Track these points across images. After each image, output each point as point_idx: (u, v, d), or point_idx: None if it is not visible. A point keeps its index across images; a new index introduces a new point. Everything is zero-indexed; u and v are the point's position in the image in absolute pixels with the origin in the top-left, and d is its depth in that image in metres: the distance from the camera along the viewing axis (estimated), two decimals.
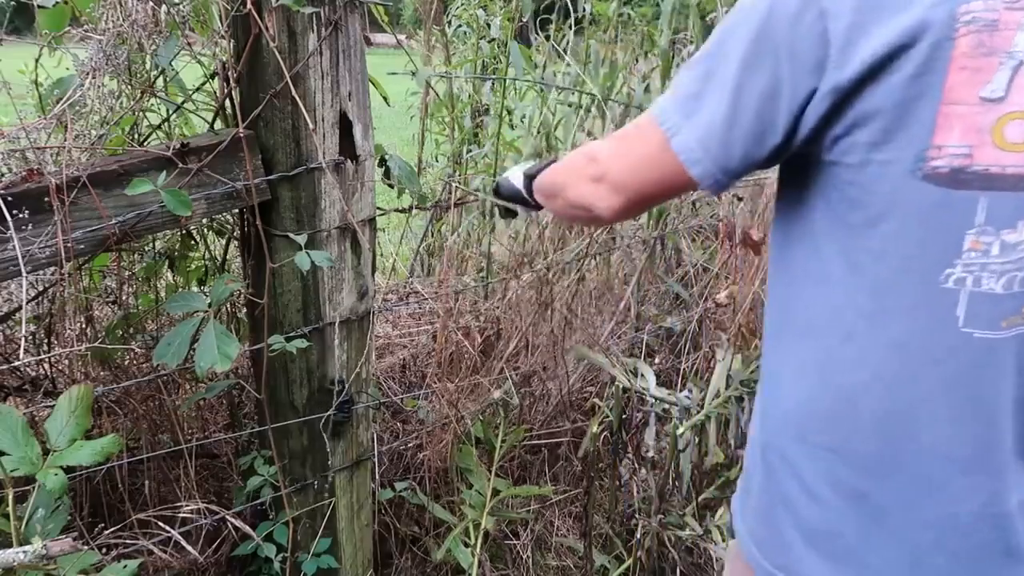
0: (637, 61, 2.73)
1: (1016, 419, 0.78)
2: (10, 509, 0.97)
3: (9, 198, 1.09)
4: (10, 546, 0.92)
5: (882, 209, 0.74)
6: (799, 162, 0.82)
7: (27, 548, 0.86)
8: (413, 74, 1.70)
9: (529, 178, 1.20)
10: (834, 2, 0.72)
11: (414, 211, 1.79)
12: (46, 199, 1.12)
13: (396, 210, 1.77)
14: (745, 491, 0.98)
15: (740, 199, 2.32)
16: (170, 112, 1.48)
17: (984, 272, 0.72)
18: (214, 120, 1.43)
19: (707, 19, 2.61)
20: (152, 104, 1.48)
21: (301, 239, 1.31)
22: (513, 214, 1.37)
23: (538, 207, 1.23)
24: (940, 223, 0.72)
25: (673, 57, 2.54)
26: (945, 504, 0.80)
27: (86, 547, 1.05)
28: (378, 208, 1.52)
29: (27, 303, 1.41)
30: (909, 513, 0.81)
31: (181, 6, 1.32)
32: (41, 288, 1.50)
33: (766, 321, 0.94)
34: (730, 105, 0.79)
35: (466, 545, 1.71)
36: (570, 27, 2.63)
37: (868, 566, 0.84)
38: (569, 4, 2.62)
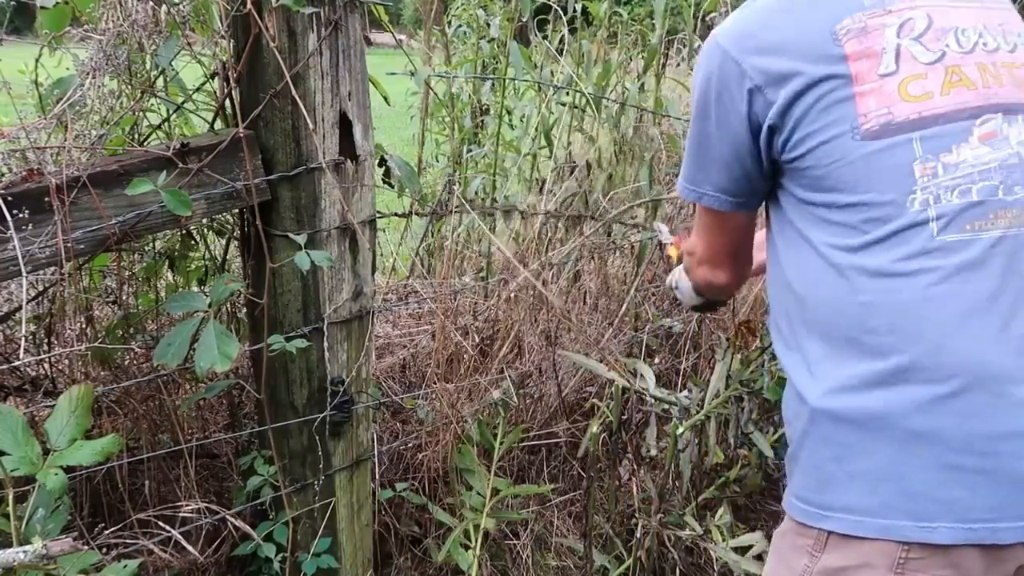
0: (631, 60, 2.73)
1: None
2: (10, 509, 0.97)
3: (9, 198, 1.09)
4: (10, 546, 0.92)
5: (842, 173, 0.93)
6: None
7: (27, 548, 0.86)
8: (412, 74, 1.70)
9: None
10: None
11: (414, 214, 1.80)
12: (46, 199, 1.12)
13: (396, 214, 1.77)
14: (792, 458, 1.03)
15: None
16: (170, 112, 1.48)
17: (939, 190, 0.89)
18: (214, 120, 1.43)
19: (707, 19, 2.62)
20: (152, 104, 1.48)
21: (301, 239, 1.31)
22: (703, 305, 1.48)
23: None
24: (891, 162, 0.90)
25: (667, 55, 2.54)
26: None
27: (86, 547, 1.05)
28: (378, 212, 1.52)
29: (27, 303, 1.41)
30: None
31: (181, 6, 1.32)
32: (41, 288, 1.50)
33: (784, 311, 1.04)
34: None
35: (466, 548, 1.71)
36: (568, 26, 2.63)
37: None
38: (557, 7, 2.62)
